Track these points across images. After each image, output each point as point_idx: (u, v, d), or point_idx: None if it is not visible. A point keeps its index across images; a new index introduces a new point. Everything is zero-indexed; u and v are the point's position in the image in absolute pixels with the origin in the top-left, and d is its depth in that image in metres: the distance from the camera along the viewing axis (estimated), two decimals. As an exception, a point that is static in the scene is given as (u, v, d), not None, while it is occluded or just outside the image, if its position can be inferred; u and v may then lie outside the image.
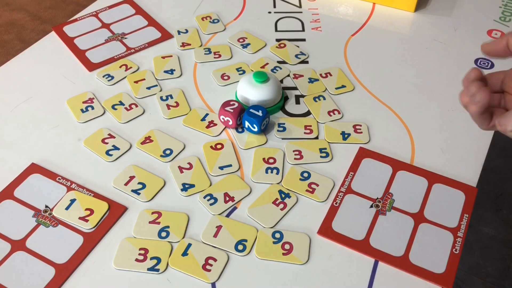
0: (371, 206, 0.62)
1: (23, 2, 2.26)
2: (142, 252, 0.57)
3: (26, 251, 0.57)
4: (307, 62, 0.83)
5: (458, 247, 0.58)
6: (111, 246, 0.58)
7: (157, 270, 0.55)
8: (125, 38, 0.87)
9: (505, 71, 0.49)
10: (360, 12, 0.94)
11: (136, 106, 0.74)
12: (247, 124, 0.69)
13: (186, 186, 0.64)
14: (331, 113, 0.73)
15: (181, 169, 0.66)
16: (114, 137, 0.70)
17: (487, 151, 0.69)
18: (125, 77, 0.79)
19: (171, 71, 0.80)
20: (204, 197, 0.62)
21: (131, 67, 0.81)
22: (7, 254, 0.57)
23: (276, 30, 0.90)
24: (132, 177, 0.65)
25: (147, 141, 0.69)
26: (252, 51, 0.84)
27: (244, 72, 0.80)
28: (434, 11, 0.94)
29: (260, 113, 0.68)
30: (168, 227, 0.59)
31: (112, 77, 0.79)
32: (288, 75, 0.80)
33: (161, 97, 0.76)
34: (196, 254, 0.57)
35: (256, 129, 0.68)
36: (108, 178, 0.65)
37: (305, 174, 0.65)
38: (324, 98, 0.76)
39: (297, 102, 0.76)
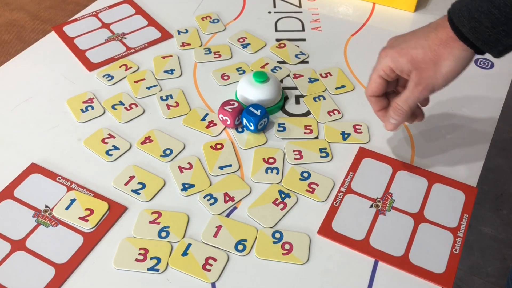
0: (371, 206, 0.62)
1: (23, 2, 2.26)
2: (142, 252, 0.57)
3: (26, 251, 0.57)
4: (307, 62, 0.83)
5: (458, 247, 0.58)
6: (111, 246, 0.58)
7: (157, 270, 0.55)
8: (125, 38, 0.87)
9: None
10: (360, 12, 0.94)
11: (136, 106, 0.74)
12: (245, 121, 0.69)
13: (186, 186, 0.64)
14: (331, 113, 0.73)
15: (181, 169, 0.66)
16: (114, 137, 0.70)
17: (487, 151, 0.69)
18: (125, 77, 0.79)
19: (171, 71, 0.80)
20: (204, 197, 0.62)
21: (131, 67, 0.81)
22: (7, 254, 0.57)
23: (276, 30, 0.90)
24: (132, 177, 0.65)
25: (147, 141, 0.69)
26: (252, 51, 0.84)
27: (244, 72, 0.80)
28: (434, 11, 0.94)
29: (258, 113, 0.68)
30: (168, 227, 0.59)
31: (112, 77, 0.79)
32: (288, 75, 0.80)
33: (161, 97, 0.76)
34: (196, 254, 0.57)
35: (252, 128, 0.68)
36: (108, 178, 0.65)
37: (305, 174, 0.65)
38: (324, 98, 0.76)
39: (297, 102, 0.76)
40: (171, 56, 0.83)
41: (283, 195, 0.63)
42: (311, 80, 0.79)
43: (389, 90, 0.62)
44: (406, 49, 0.55)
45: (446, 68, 0.53)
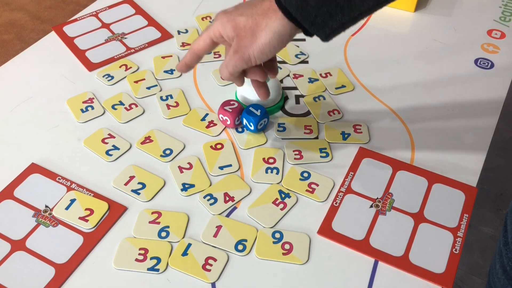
0: (371, 206, 0.62)
1: (23, 2, 2.26)
2: (142, 252, 0.57)
3: (26, 251, 0.57)
4: (307, 62, 0.83)
5: (458, 247, 0.58)
6: (111, 246, 0.58)
7: (157, 270, 0.55)
8: (125, 38, 0.87)
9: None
10: (360, 12, 0.94)
11: (136, 106, 0.74)
12: (245, 121, 0.69)
13: (186, 186, 0.64)
14: (331, 113, 0.73)
15: (181, 169, 0.66)
16: (114, 137, 0.70)
17: (487, 151, 0.69)
18: (125, 77, 0.79)
19: (171, 71, 0.80)
20: (204, 197, 0.62)
21: (131, 67, 0.81)
22: (7, 254, 0.57)
23: (276, 30, 0.90)
24: (132, 177, 0.65)
25: (147, 141, 0.69)
26: (252, 51, 0.84)
27: (244, 72, 0.80)
28: (434, 11, 0.94)
29: (258, 113, 0.68)
30: (168, 227, 0.59)
31: (112, 77, 0.79)
32: (288, 75, 0.80)
33: (161, 97, 0.76)
34: (196, 254, 0.57)
35: (252, 128, 0.69)
36: (108, 178, 0.65)
37: (305, 174, 0.65)
38: (324, 98, 0.76)
39: (297, 102, 0.76)
40: (171, 56, 0.83)
41: (283, 195, 0.63)
42: (311, 80, 0.79)
43: None
44: (233, 16, 0.54)
45: (262, 39, 0.52)
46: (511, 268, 0.68)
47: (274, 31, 0.51)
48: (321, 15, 0.49)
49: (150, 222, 0.60)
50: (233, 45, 0.54)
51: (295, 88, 0.78)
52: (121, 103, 0.75)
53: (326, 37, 0.52)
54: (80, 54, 0.84)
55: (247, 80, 0.72)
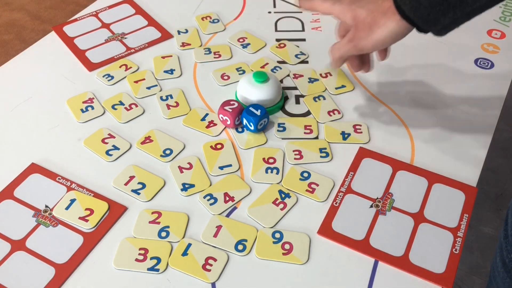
0: (371, 206, 0.62)
1: (23, 2, 2.26)
2: (142, 252, 0.57)
3: (26, 251, 0.57)
4: (307, 62, 0.83)
5: (458, 247, 0.58)
6: (111, 246, 0.58)
7: (157, 270, 0.55)
8: (125, 38, 0.87)
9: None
10: (360, 12, 0.94)
11: (136, 106, 0.74)
12: (245, 121, 0.69)
13: (186, 186, 0.64)
14: (331, 113, 0.73)
15: (181, 169, 0.66)
16: (114, 137, 0.70)
17: (487, 151, 0.69)
18: (125, 77, 0.79)
19: (171, 71, 0.80)
20: (204, 197, 0.62)
21: (131, 67, 0.81)
22: (7, 254, 0.57)
23: (276, 30, 0.90)
24: (132, 177, 0.65)
25: (147, 141, 0.69)
26: (252, 51, 0.84)
27: (244, 72, 0.80)
28: (434, 11, 0.94)
29: (258, 113, 0.68)
30: (168, 227, 0.59)
31: (112, 77, 0.79)
32: (288, 75, 0.80)
33: (161, 97, 0.76)
34: (196, 254, 0.57)
35: (252, 128, 0.69)
36: (108, 178, 0.65)
37: (305, 174, 0.65)
38: (324, 98, 0.76)
39: (297, 102, 0.76)
40: (171, 56, 0.83)
41: (283, 195, 0.63)
42: (311, 80, 0.79)
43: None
44: (354, 6, 0.60)
45: (377, 36, 0.57)
46: (510, 260, 0.68)
47: (391, 30, 0.56)
48: (434, 13, 0.53)
49: (150, 222, 0.60)
50: (349, 33, 0.61)
51: (295, 88, 0.78)
52: (121, 103, 0.75)
53: (438, 32, 0.57)
54: (80, 54, 0.84)
55: (247, 79, 0.72)
